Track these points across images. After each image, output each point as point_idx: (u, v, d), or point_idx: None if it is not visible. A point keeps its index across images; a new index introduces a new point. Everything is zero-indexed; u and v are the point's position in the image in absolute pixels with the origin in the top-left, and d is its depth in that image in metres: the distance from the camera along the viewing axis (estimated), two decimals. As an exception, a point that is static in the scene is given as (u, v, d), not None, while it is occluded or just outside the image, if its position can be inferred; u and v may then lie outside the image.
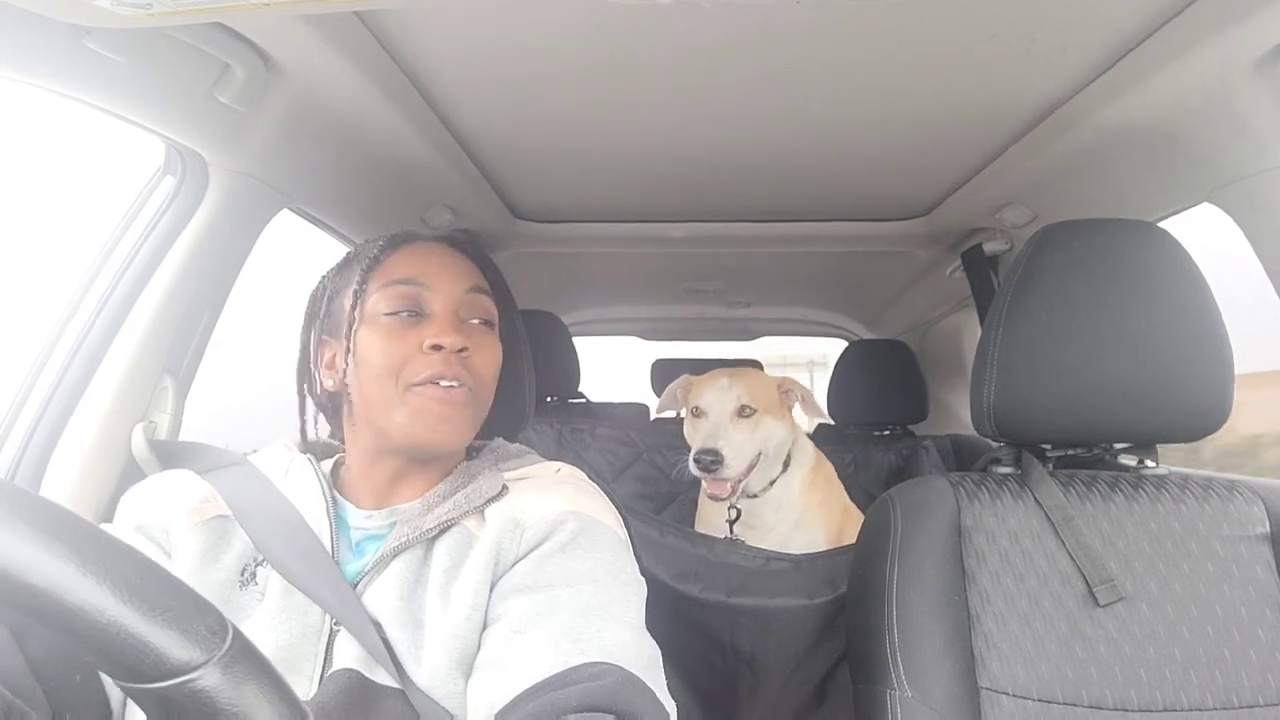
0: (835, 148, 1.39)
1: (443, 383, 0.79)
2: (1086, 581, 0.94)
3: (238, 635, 0.38)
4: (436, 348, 0.79)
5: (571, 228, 1.93)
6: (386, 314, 0.81)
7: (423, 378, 0.79)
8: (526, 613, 0.69)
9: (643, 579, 0.76)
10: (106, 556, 0.37)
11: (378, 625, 0.72)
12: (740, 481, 1.60)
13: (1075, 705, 0.89)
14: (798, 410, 1.75)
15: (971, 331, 2.43)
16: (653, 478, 2.08)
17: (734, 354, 3.60)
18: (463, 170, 1.47)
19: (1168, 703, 0.89)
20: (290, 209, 1.30)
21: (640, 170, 1.53)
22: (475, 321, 0.85)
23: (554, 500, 0.77)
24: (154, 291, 1.11)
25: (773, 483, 1.68)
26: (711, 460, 1.54)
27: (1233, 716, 0.88)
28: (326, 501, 0.81)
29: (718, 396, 1.64)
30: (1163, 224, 1.11)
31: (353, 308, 0.83)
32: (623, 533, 0.80)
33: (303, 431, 0.90)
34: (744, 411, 1.62)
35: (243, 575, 0.76)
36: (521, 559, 0.74)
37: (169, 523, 0.79)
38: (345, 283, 0.86)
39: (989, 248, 1.83)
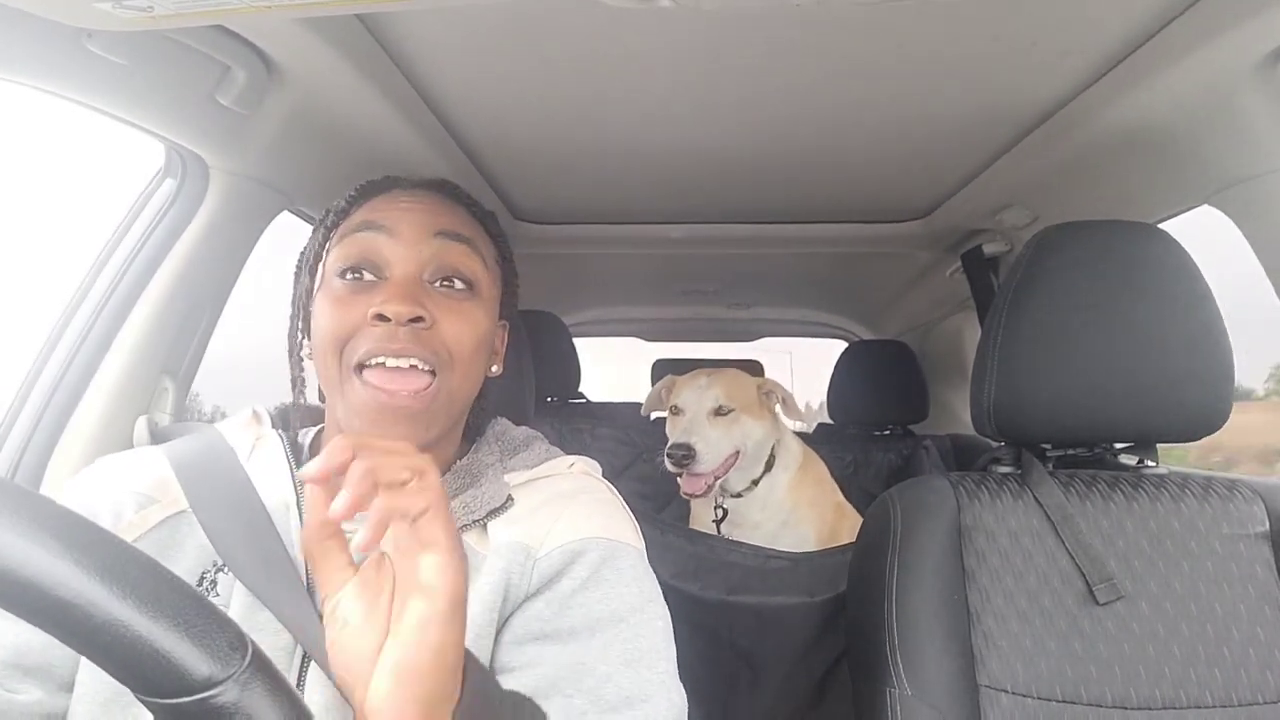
0: (835, 149, 1.39)
1: (389, 361, 0.65)
2: (1086, 580, 0.94)
3: (256, 651, 0.38)
4: (381, 318, 0.65)
5: (571, 229, 1.93)
6: (338, 275, 0.70)
7: (362, 356, 0.66)
8: (547, 671, 0.61)
9: (664, 603, 0.69)
10: (131, 570, 0.37)
11: None
12: (718, 479, 1.62)
13: (1074, 703, 0.90)
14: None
15: (971, 332, 2.43)
16: (652, 477, 2.08)
17: (735, 354, 3.60)
18: (463, 172, 1.47)
19: (1167, 700, 0.89)
20: (290, 211, 1.30)
21: (640, 172, 1.53)
22: (441, 283, 0.71)
23: (569, 523, 0.67)
24: (154, 293, 1.11)
25: (756, 482, 1.70)
26: (683, 455, 1.56)
27: (1232, 714, 0.88)
28: (296, 493, 0.69)
29: (695, 395, 1.67)
30: (1163, 225, 1.11)
31: (312, 269, 0.72)
32: (641, 544, 0.71)
33: (294, 402, 0.79)
34: (720, 410, 1.64)
35: (200, 584, 0.66)
36: (534, 595, 0.65)
37: (117, 510, 0.69)
38: (314, 241, 0.75)
39: (989, 249, 1.83)
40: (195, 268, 1.14)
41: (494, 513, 0.68)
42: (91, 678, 0.63)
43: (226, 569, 0.66)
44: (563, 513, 0.68)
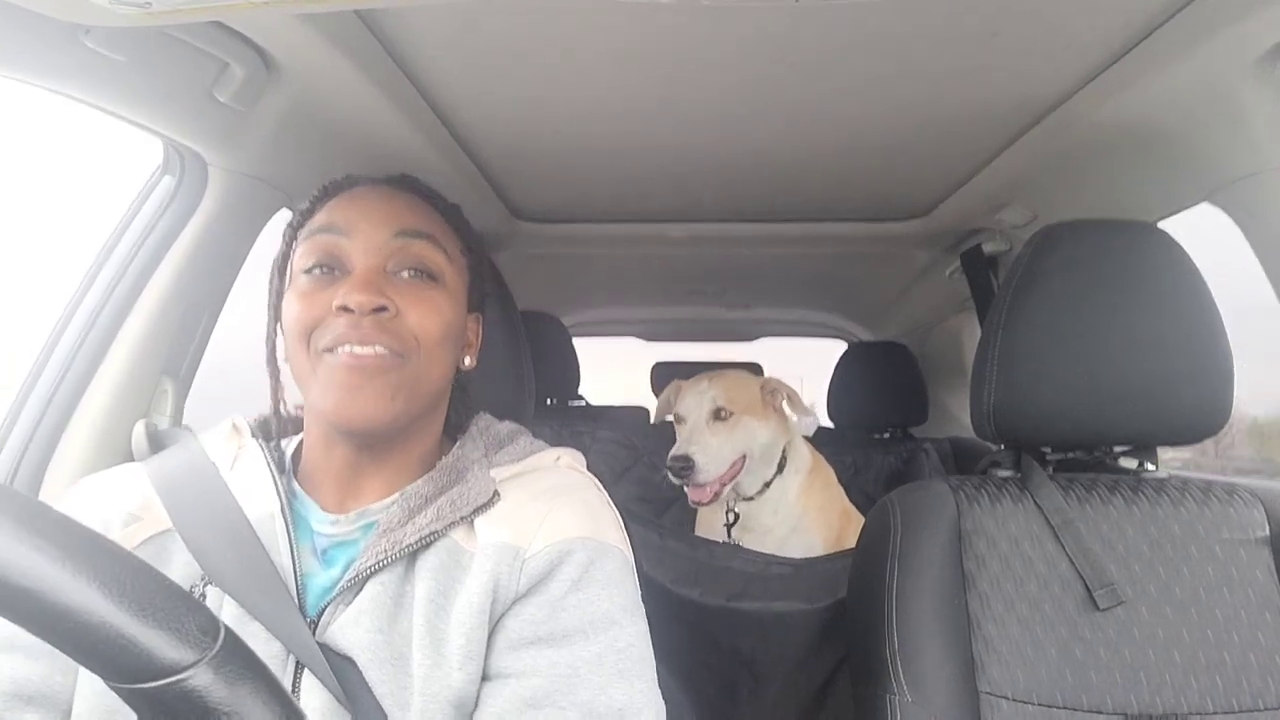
0: (834, 148, 1.39)
1: (356, 349, 0.67)
2: (1086, 585, 0.94)
3: (229, 635, 0.38)
4: (345, 309, 0.67)
5: (570, 228, 1.92)
6: (304, 271, 0.71)
7: (328, 342, 0.67)
8: (542, 681, 0.62)
9: (643, 606, 0.70)
10: (95, 557, 0.37)
11: (351, 663, 0.64)
12: (725, 486, 1.60)
13: (1075, 710, 0.89)
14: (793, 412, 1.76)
15: (971, 334, 2.43)
16: (653, 481, 2.07)
17: (734, 356, 3.59)
18: (462, 170, 1.47)
19: (1168, 707, 0.89)
20: (290, 208, 1.30)
21: (640, 171, 1.53)
22: (406, 274, 0.72)
23: (556, 523, 0.68)
24: (153, 292, 1.11)
25: (768, 485, 1.68)
26: (682, 467, 1.54)
27: None
28: (281, 501, 0.70)
29: (695, 400, 1.64)
30: (1161, 224, 1.11)
31: (282, 271, 0.75)
32: (626, 547, 0.72)
33: (274, 408, 0.80)
34: (720, 414, 1.62)
35: None
36: (524, 597, 0.65)
37: (104, 528, 0.69)
38: (283, 244, 0.78)
39: (988, 248, 1.83)
40: (194, 265, 1.14)
41: (480, 509, 0.69)
42: (84, 699, 0.63)
43: (212, 582, 0.66)
44: (550, 511, 0.69)
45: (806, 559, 1.42)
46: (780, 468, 1.69)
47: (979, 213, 1.69)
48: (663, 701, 0.66)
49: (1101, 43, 1.00)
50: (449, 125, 1.30)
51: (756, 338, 3.58)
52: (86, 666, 0.36)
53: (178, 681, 0.35)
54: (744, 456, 1.62)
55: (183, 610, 0.37)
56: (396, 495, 0.71)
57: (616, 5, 0.77)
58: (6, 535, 0.35)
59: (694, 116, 1.25)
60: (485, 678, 0.65)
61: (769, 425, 1.66)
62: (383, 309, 0.68)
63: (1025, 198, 1.56)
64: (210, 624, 0.38)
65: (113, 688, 0.36)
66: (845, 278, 2.56)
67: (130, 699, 0.36)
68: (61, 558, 0.36)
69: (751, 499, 1.68)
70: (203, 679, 0.36)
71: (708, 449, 1.58)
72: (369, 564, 0.65)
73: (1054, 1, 0.90)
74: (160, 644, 0.36)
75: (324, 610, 0.66)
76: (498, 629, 0.65)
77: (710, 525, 1.72)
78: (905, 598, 0.94)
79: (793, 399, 1.71)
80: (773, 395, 1.70)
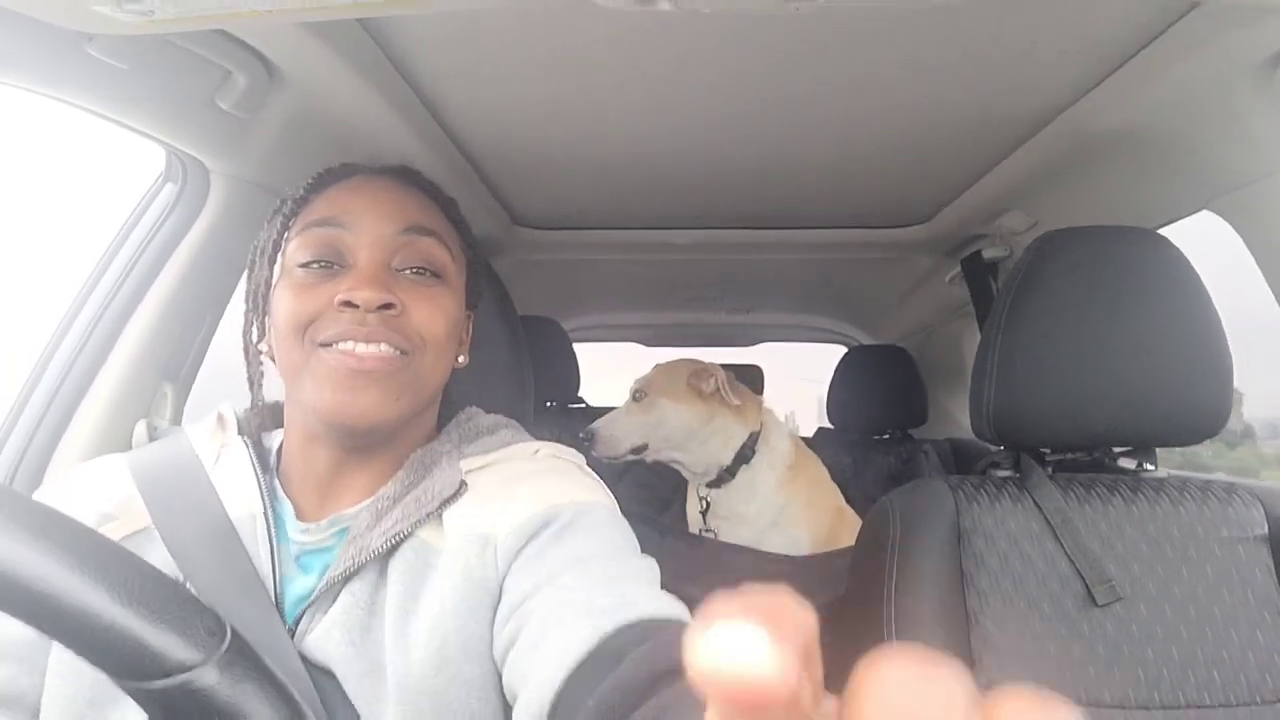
0: (835, 154, 1.40)
1: (359, 348, 0.63)
2: (1085, 583, 0.94)
3: (236, 637, 0.39)
4: (348, 304, 0.64)
5: (571, 234, 1.93)
6: (301, 264, 0.67)
7: (328, 336, 0.64)
8: (535, 624, 0.56)
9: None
10: (105, 560, 0.38)
11: (329, 674, 0.60)
12: (635, 450, 1.73)
13: (1073, 704, 0.89)
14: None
15: (970, 338, 2.43)
16: (652, 481, 2.08)
17: (734, 360, 3.59)
18: (463, 176, 1.47)
19: (1166, 702, 0.89)
20: (290, 213, 1.30)
21: (640, 177, 1.53)
22: (411, 271, 0.69)
23: (525, 499, 0.64)
24: (155, 296, 1.11)
25: (730, 472, 1.71)
26: (588, 438, 1.72)
27: (1230, 714, 0.88)
28: (264, 502, 0.67)
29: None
30: (1162, 231, 1.12)
31: (271, 260, 0.70)
32: (614, 504, 0.69)
33: (253, 403, 0.76)
34: (636, 395, 1.76)
35: None
36: (506, 576, 0.61)
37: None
38: (271, 231, 0.72)
39: (988, 254, 1.83)
40: (196, 272, 1.14)
41: (447, 502, 0.65)
42: (53, 702, 0.60)
43: (189, 584, 0.63)
44: (519, 490, 0.65)
45: (804, 557, 1.43)
46: (746, 457, 1.72)
47: (979, 219, 1.70)
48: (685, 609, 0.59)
49: (1102, 50, 1.00)
50: (450, 132, 1.31)
51: (757, 342, 3.58)
52: (97, 666, 0.37)
53: (186, 682, 0.37)
54: (661, 435, 1.74)
55: (190, 612, 0.39)
56: (370, 499, 0.68)
57: (616, 12, 0.78)
58: (17, 539, 0.37)
59: (694, 123, 1.25)
60: (502, 663, 0.59)
61: (690, 408, 1.73)
62: (389, 306, 0.65)
63: (1026, 204, 1.57)
64: (217, 625, 0.39)
65: (121, 685, 0.37)
66: (845, 283, 2.57)
67: (138, 697, 0.37)
68: (74, 562, 0.37)
69: (717, 485, 1.72)
70: (209, 679, 0.37)
71: (613, 425, 1.73)
72: (339, 571, 0.62)
73: (1055, 9, 0.91)
74: (169, 645, 0.37)
75: (300, 617, 0.63)
76: (499, 620, 0.60)
77: (689, 514, 1.80)
78: (904, 595, 0.94)
79: (724, 386, 1.75)
80: (707, 381, 1.75)
